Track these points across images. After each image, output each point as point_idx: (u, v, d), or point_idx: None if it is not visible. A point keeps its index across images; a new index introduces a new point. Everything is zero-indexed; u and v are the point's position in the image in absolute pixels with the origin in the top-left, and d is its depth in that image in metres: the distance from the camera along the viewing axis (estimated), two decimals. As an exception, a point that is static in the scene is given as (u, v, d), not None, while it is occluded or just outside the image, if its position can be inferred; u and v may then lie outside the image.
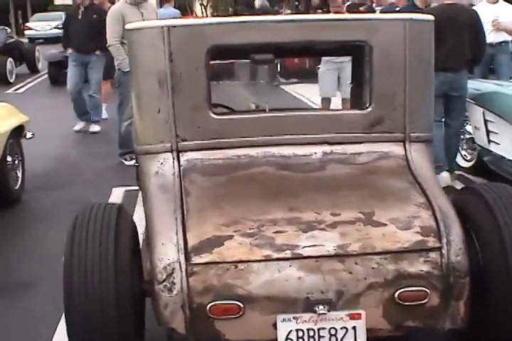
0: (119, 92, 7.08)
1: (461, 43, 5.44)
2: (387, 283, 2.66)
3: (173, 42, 3.04)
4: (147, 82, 3.13)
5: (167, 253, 2.67)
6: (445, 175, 5.59)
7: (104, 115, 9.57)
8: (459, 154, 6.04)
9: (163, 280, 2.63)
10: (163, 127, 3.13)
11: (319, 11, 19.30)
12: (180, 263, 2.63)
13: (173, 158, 3.13)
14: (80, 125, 9.25)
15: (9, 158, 5.80)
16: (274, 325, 2.63)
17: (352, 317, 2.64)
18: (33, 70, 17.48)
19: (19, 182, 6.04)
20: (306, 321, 2.63)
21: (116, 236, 2.76)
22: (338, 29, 3.12)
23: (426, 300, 2.67)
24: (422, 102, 3.23)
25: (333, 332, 2.64)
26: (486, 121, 5.40)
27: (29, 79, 16.23)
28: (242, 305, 2.60)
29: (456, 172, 6.08)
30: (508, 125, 5.10)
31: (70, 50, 8.93)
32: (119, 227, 2.80)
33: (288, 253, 2.65)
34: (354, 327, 2.64)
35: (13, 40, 17.23)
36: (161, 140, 3.14)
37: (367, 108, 3.17)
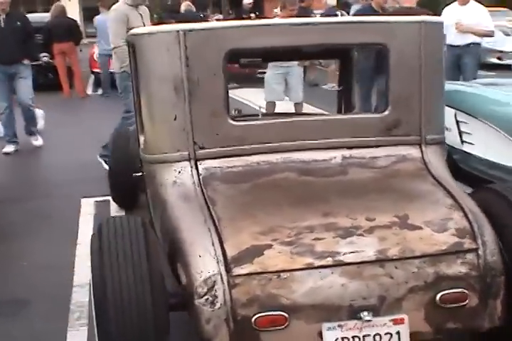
0: (124, 97, 6.80)
1: None
2: (427, 286, 2.65)
3: (190, 46, 2.95)
4: (161, 88, 3.02)
5: (206, 265, 2.57)
6: None
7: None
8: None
9: (205, 294, 2.54)
10: (180, 135, 3.03)
11: (252, 15, 19.34)
12: (221, 275, 2.55)
13: (191, 167, 3.03)
14: (9, 147, 8.22)
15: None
16: (320, 334, 2.58)
17: (395, 322, 2.61)
18: None
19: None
20: (350, 328, 2.59)
21: (148, 252, 2.64)
22: (357, 32, 3.10)
23: (466, 302, 2.67)
24: (436, 104, 3.25)
25: (377, 338, 2.61)
26: (458, 122, 5.49)
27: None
28: (287, 316, 2.54)
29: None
30: (482, 124, 5.20)
31: None
32: (148, 242, 2.69)
33: (330, 261, 2.61)
34: (398, 332, 2.62)
35: None
36: (178, 148, 3.04)
37: (384, 111, 3.16)
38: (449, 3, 8.53)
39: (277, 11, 10.99)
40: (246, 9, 19.58)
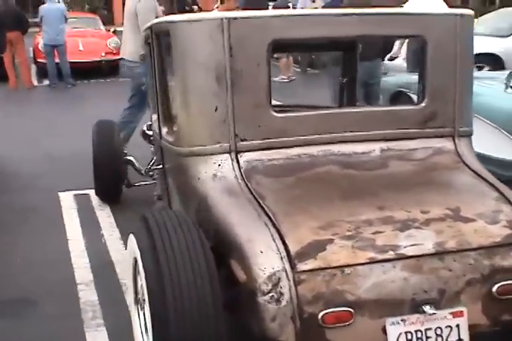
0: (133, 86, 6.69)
1: None
2: (484, 279, 2.64)
3: (234, 35, 2.85)
4: (203, 77, 2.91)
5: (269, 261, 2.49)
6: None
7: None
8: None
9: (269, 291, 2.45)
10: (221, 126, 2.93)
11: (195, 7, 19.12)
12: (286, 271, 2.47)
13: (232, 160, 2.94)
14: None
15: None
16: (383, 330, 2.54)
17: (455, 315, 2.60)
18: None
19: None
20: (413, 323, 2.55)
21: (204, 250, 2.55)
22: (396, 23, 3.07)
23: None
24: (468, 96, 3.25)
25: (438, 331, 2.59)
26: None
27: None
28: (353, 312, 2.49)
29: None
30: None
31: None
32: (202, 239, 2.58)
33: (391, 254, 2.57)
34: (458, 325, 2.60)
35: None
36: (218, 140, 2.94)
37: (421, 103, 3.14)
38: None
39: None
40: (188, 1, 19.41)
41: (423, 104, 3.14)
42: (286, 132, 2.99)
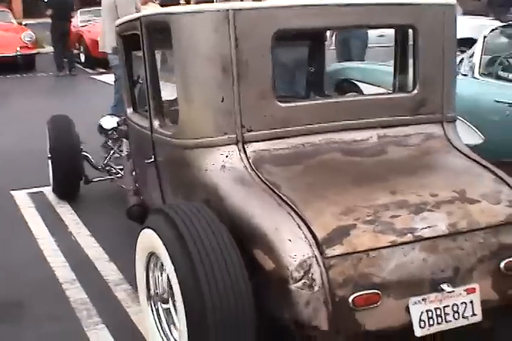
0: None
1: None
2: (492, 256, 2.78)
3: (239, 26, 2.86)
4: (208, 69, 2.91)
5: (299, 249, 2.53)
6: None
7: None
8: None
9: (301, 278, 2.50)
10: (227, 117, 2.94)
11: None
12: (316, 257, 2.53)
13: (239, 150, 2.96)
14: None
15: None
16: (407, 309, 2.63)
17: (469, 291, 2.73)
18: None
19: None
20: (432, 301, 2.66)
21: (231, 240, 2.57)
22: (390, 13, 3.16)
23: None
24: (453, 83, 3.39)
25: (455, 308, 2.70)
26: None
27: None
28: (380, 293, 2.57)
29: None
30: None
31: None
32: (228, 233, 2.60)
33: (410, 237, 2.66)
34: (471, 301, 2.73)
35: None
36: (224, 131, 2.95)
37: (413, 90, 3.26)
38: None
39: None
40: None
41: (415, 92, 3.26)
42: (290, 122, 3.03)
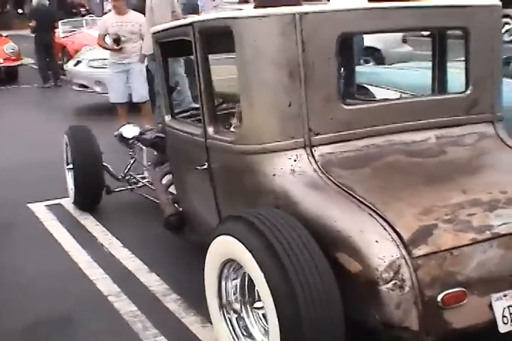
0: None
1: None
2: None
3: (305, 30, 2.87)
4: (275, 74, 2.91)
5: (387, 249, 2.53)
6: None
7: None
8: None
9: (391, 279, 2.50)
10: (295, 121, 2.94)
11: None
12: (404, 258, 2.53)
13: (308, 154, 2.96)
14: None
15: None
16: (489, 306, 2.64)
17: None
18: None
19: None
20: (512, 297, 2.69)
21: (317, 246, 2.57)
22: (446, 15, 3.19)
23: None
24: (500, 83, 3.44)
25: None
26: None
27: None
28: (466, 291, 2.59)
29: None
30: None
31: None
32: (312, 238, 2.60)
33: (488, 234, 2.68)
34: None
35: None
36: (292, 135, 2.95)
37: (466, 91, 3.29)
38: None
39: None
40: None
41: (468, 92, 3.29)
42: (354, 124, 3.04)
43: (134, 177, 5.41)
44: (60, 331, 3.45)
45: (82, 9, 18.44)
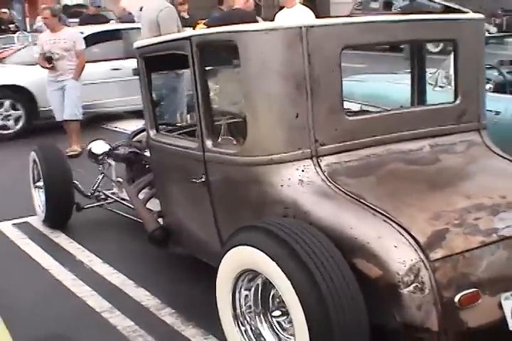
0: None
1: None
2: None
3: (311, 43, 2.95)
4: (281, 86, 2.98)
5: (406, 254, 2.63)
6: None
7: None
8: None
9: (412, 282, 2.59)
10: (302, 133, 3.01)
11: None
12: (423, 261, 2.62)
13: (314, 165, 3.03)
14: None
15: None
16: (499, 305, 2.76)
17: None
18: None
19: None
20: (520, 296, 2.82)
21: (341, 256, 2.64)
22: (438, 28, 3.34)
23: None
24: (484, 92, 3.61)
25: None
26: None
27: None
28: (479, 291, 2.70)
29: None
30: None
31: None
32: (333, 245, 2.67)
33: (495, 237, 2.81)
34: None
35: None
36: (299, 146, 3.02)
37: (455, 101, 3.44)
38: (283, 7, 9.00)
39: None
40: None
41: (457, 102, 3.44)
42: (356, 134, 3.13)
43: (104, 194, 5.35)
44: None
45: (12, 25, 18.00)
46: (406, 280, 2.59)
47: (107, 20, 12.71)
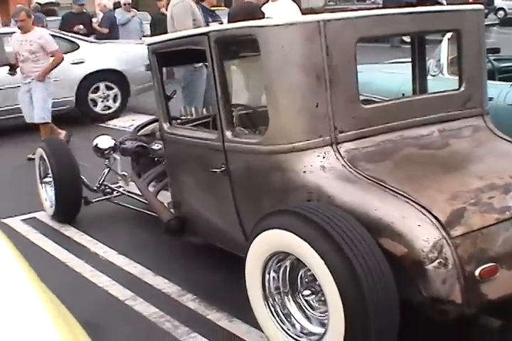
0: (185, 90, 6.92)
1: None
2: None
3: (329, 35, 3.10)
4: (302, 77, 3.13)
5: (430, 232, 2.80)
6: None
7: None
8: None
9: (436, 258, 2.77)
10: (322, 121, 3.17)
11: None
12: (445, 238, 2.80)
13: (334, 151, 3.19)
14: None
15: None
16: (516, 278, 2.96)
17: None
18: None
19: None
20: (533, 269, 3.01)
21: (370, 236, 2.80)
22: (443, 19, 3.51)
23: None
24: (486, 79, 3.79)
25: None
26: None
27: None
28: (497, 265, 2.88)
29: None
30: None
31: None
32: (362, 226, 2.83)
33: (508, 214, 3.00)
34: None
35: None
36: (320, 134, 3.17)
37: (460, 88, 3.62)
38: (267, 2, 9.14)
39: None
40: None
41: (462, 89, 3.62)
42: (371, 122, 3.30)
43: (110, 187, 5.47)
44: (92, 337, 3.50)
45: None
46: (430, 256, 2.76)
47: (90, 18, 12.80)
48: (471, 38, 3.61)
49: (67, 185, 5.12)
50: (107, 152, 5.36)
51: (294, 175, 3.20)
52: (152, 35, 12.94)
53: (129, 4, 12.83)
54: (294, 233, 2.84)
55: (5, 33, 9.27)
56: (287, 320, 3.12)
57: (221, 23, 6.94)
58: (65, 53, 8.55)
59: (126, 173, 5.46)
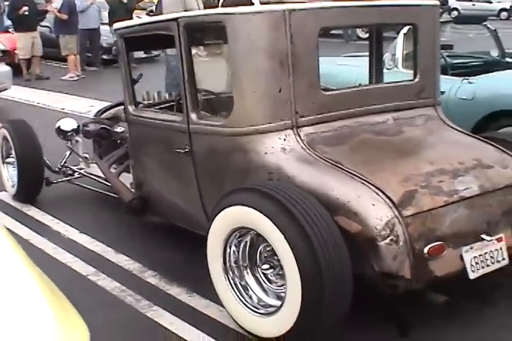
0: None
1: None
2: (510, 210, 3.40)
3: (293, 24, 3.27)
4: (267, 63, 3.28)
5: (383, 211, 2.99)
6: None
7: None
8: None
9: (388, 235, 2.96)
10: (284, 105, 3.33)
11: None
12: (397, 217, 2.99)
13: (295, 134, 3.36)
14: None
15: None
16: (460, 257, 3.17)
17: (498, 240, 3.31)
18: None
19: None
20: (477, 249, 3.22)
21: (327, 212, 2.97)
22: (402, 13, 3.71)
23: None
24: (439, 71, 4.01)
25: (491, 254, 3.28)
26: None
27: None
28: (444, 244, 3.09)
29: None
30: None
31: None
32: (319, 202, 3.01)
33: (456, 197, 3.21)
34: (501, 248, 3.32)
35: None
36: (282, 118, 3.34)
37: (415, 78, 3.82)
38: None
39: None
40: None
41: (416, 80, 3.83)
42: (330, 108, 3.48)
43: (71, 169, 5.55)
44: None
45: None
46: (383, 234, 2.96)
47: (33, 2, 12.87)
48: (427, 32, 3.82)
49: (30, 166, 5.20)
50: (69, 134, 5.44)
51: (255, 156, 3.36)
52: (110, 22, 13.03)
53: None
54: (256, 209, 3.00)
55: None
56: (245, 292, 3.28)
57: None
58: None
59: (87, 155, 5.56)
